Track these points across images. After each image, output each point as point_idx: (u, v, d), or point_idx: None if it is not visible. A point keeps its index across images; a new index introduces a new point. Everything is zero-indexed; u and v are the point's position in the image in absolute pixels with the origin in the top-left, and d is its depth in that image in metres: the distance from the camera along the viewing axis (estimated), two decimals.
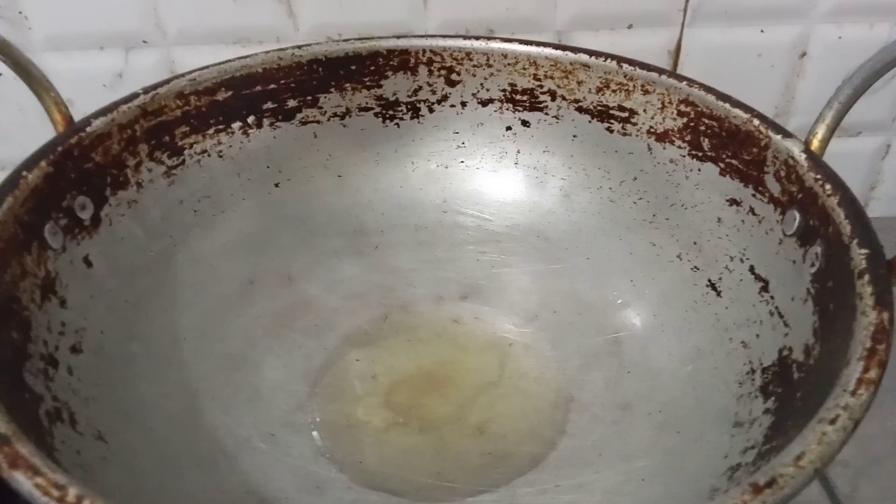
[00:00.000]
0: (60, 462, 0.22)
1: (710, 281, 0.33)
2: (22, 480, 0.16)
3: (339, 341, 0.35)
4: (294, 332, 0.35)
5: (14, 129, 0.46)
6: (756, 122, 0.31)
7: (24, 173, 0.27)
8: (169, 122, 0.34)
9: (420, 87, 0.39)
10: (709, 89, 0.33)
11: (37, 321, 0.26)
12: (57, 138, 0.30)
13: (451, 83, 0.39)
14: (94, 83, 0.44)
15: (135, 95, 0.33)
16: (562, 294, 0.36)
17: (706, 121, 0.33)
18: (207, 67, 0.35)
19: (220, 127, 0.36)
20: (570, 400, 0.32)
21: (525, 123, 0.39)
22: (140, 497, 0.24)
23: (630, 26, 0.44)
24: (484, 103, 0.39)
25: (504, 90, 0.38)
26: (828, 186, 0.27)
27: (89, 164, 0.31)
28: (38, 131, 0.32)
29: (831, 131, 0.29)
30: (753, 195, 0.31)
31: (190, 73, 0.35)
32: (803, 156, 0.29)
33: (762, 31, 0.44)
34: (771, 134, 0.30)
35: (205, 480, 0.27)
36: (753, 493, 0.17)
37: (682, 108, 0.34)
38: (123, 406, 0.28)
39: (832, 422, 0.19)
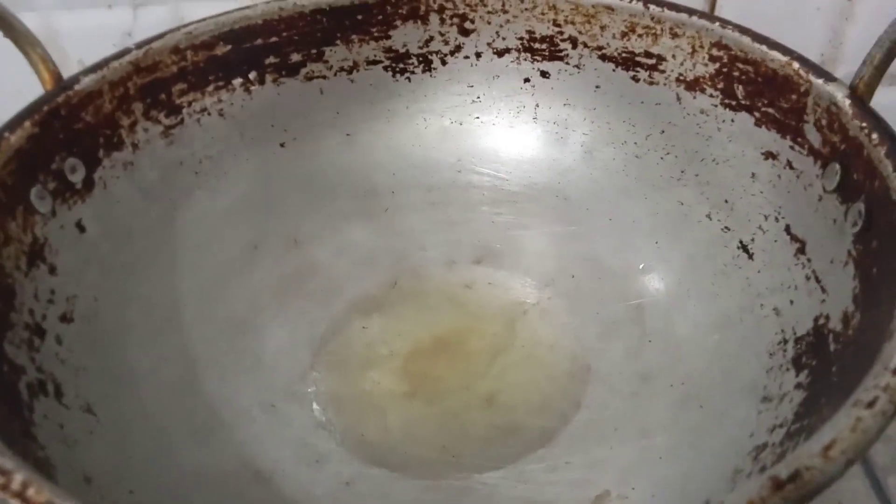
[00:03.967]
0: (38, 437, 0.21)
1: (741, 242, 0.30)
2: None
3: (345, 308, 0.33)
4: (299, 298, 0.33)
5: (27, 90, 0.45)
6: (796, 65, 0.28)
7: (6, 134, 0.26)
8: (165, 79, 0.32)
9: (432, 38, 0.36)
10: (744, 30, 0.30)
11: (22, 289, 0.25)
12: (43, 97, 0.28)
13: (465, 32, 0.36)
14: (103, 43, 0.43)
15: (126, 51, 0.31)
16: (581, 258, 0.34)
17: (741, 66, 0.30)
18: (204, 20, 0.33)
19: (220, 84, 0.34)
20: (587, 370, 0.30)
21: (544, 74, 0.36)
22: (128, 471, 0.23)
23: None
24: (500, 53, 0.36)
25: (521, 38, 0.36)
26: (874, 136, 0.24)
27: (79, 125, 0.29)
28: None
29: (880, 74, 0.26)
30: (791, 147, 0.28)
31: (185, 26, 0.33)
32: (847, 101, 0.26)
33: None
34: (812, 78, 0.27)
35: (198, 453, 0.26)
36: (773, 490, 0.14)
37: (715, 52, 0.31)
38: (117, 375, 0.27)
39: (869, 405, 0.17)
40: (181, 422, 0.27)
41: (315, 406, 0.29)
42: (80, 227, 0.29)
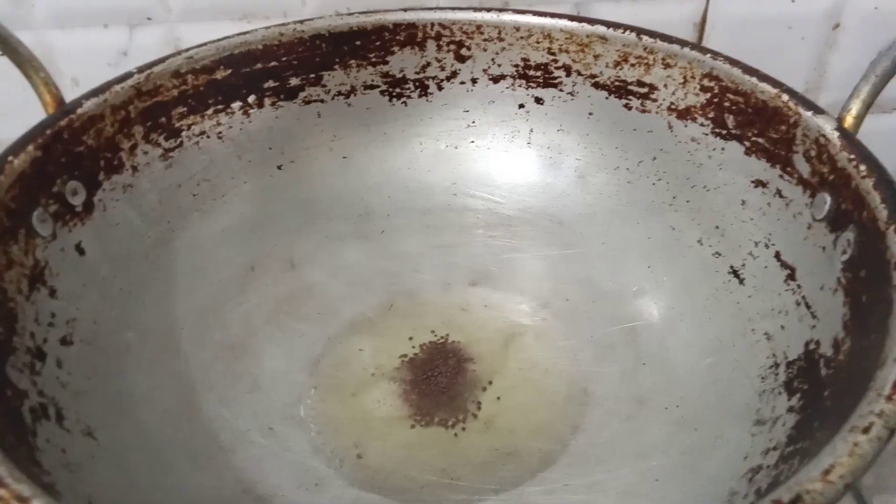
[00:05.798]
0: (42, 463, 0.21)
1: (732, 268, 0.31)
2: None
3: (342, 329, 0.34)
4: (296, 320, 0.34)
5: (20, 109, 0.45)
6: (785, 97, 0.29)
7: (10, 158, 0.26)
8: (165, 103, 0.33)
9: (428, 63, 0.37)
10: (734, 62, 0.31)
11: (24, 313, 0.25)
12: (46, 121, 0.29)
13: (461, 59, 0.37)
14: (98, 62, 0.43)
15: (128, 75, 0.32)
16: (575, 280, 0.34)
17: (731, 96, 0.31)
18: (205, 45, 0.34)
19: (220, 107, 0.35)
20: (584, 393, 0.30)
21: (538, 101, 0.37)
22: (130, 495, 0.23)
23: None
24: (495, 80, 0.37)
25: (517, 66, 0.37)
26: (862, 167, 0.25)
27: (81, 148, 0.29)
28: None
29: (867, 107, 0.27)
30: (781, 176, 0.29)
31: (186, 50, 0.33)
32: (836, 134, 0.27)
33: (793, 0, 0.42)
34: (801, 110, 0.28)
35: (199, 477, 0.26)
36: None
37: (706, 82, 0.32)
38: (116, 399, 0.27)
39: (865, 430, 0.17)
40: (181, 446, 0.27)
41: (313, 429, 0.29)
42: (80, 250, 0.29)
